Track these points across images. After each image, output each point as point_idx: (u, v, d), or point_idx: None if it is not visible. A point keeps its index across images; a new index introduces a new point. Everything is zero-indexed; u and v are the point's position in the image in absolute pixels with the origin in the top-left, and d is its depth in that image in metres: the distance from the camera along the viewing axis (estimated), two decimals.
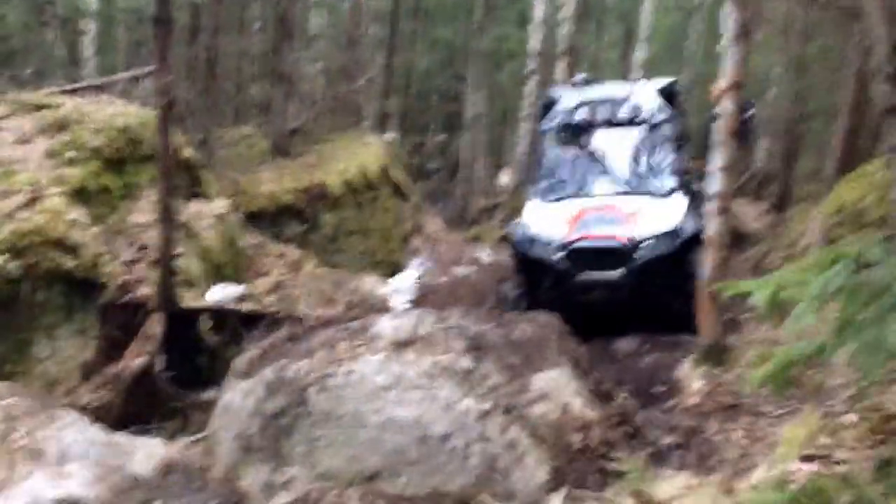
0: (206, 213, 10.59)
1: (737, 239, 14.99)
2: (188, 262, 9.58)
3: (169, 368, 7.98)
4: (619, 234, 9.78)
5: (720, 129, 8.00)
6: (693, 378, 7.66)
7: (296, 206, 14.38)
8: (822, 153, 17.12)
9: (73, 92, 11.88)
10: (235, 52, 18.93)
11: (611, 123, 10.92)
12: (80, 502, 5.15)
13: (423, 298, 13.02)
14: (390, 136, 21.50)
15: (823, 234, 10.05)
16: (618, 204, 10.18)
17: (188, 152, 11.35)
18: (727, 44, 7.92)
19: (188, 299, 8.82)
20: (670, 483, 4.83)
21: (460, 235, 20.31)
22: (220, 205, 11.19)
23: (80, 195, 8.98)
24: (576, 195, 10.59)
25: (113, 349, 8.22)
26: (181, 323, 8.39)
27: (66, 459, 5.40)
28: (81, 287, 8.35)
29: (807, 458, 4.23)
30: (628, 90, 11.33)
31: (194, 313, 8.80)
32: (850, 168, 12.09)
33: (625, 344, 9.52)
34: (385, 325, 6.22)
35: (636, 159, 10.75)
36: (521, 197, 12.85)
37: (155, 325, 8.02)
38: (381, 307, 9.55)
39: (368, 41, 24.58)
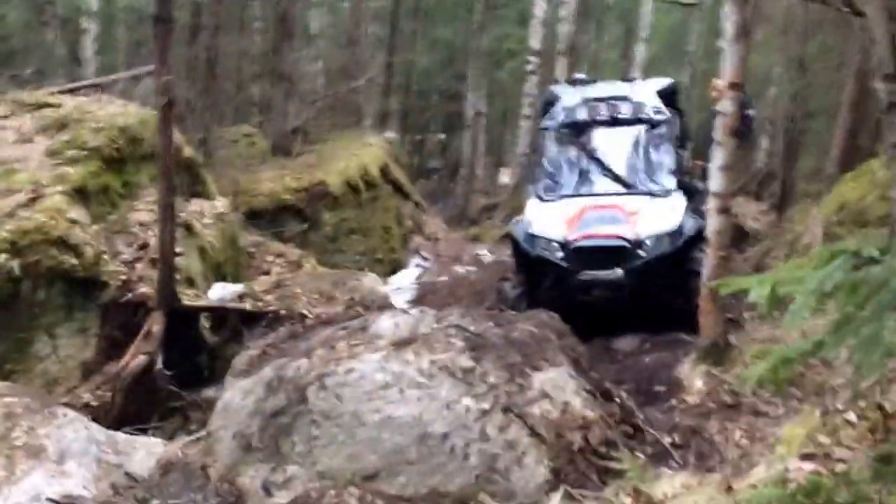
0: (207, 212, 10.60)
1: (738, 238, 15.01)
2: (188, 261, 9.58)
3: (169, 367, 7.97)
4: (620, 233, 9.77)
5: (720, 129, 7.98)
6: (693, 377, 7.64)
7: (296, 205, 14.39)
8: (823, 152, 17.10)
9: (74, 91, 11.87)
10: (236, 51, 18.92)
11: (611, 122, 10.91)
12: (80, 501, 5.15)
13: (424, 297, 13.02)
14: (390, 135, 21.52)
15: (824, 233, 10.04)
16: (618, 203, 10.17)
17: (188, 151, 11.35)
18: (726, 43, 7.92)
19: (188, 298, 8.81)
20: (669, 482, 4.82)
21: (460, 234, 20.32)
22: (220, 204, 11.20)
23: (80, 194, 8.97)
24: (576, 194, 10.58)
25: (113, 348, 8.23)
26: (181, 322, 8.39)
27: (66, 458, 5.40)
28: (82, 286, 8.35)
29: (806, 457, 4.23)
30: (628, 89, 11.33)
31: (194, 312, 8.81)
32: (851, 167, 12.08)
33: (625, 343, 9.51)
34: (384, 324, 6.22)
35: (637, 158, 10.75)
36: (522, 196, 12.87)
37: (155, 324, 8.02)
38: (382, 306, 9.52)
39: (369, 41, 24.57)
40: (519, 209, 11.44)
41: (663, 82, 11.71)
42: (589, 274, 9.71)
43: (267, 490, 5.54)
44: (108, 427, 6.40)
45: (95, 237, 8.65)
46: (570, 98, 11.30)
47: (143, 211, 9.49)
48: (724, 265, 7.89)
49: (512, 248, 10.79)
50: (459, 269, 15.71)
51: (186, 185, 10.71)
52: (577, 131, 11.07)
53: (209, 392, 7.91)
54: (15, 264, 7.94)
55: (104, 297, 8.44)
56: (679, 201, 10.17)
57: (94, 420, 6.46)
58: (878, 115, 10.17)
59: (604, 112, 10.91)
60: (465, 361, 5.75)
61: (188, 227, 9.86)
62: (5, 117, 9.92)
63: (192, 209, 10.36)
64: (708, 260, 7.98)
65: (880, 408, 4.53)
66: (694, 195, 10.63)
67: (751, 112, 13.17)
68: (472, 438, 5.39)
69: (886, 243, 2.89)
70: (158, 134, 8.23)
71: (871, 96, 11.10)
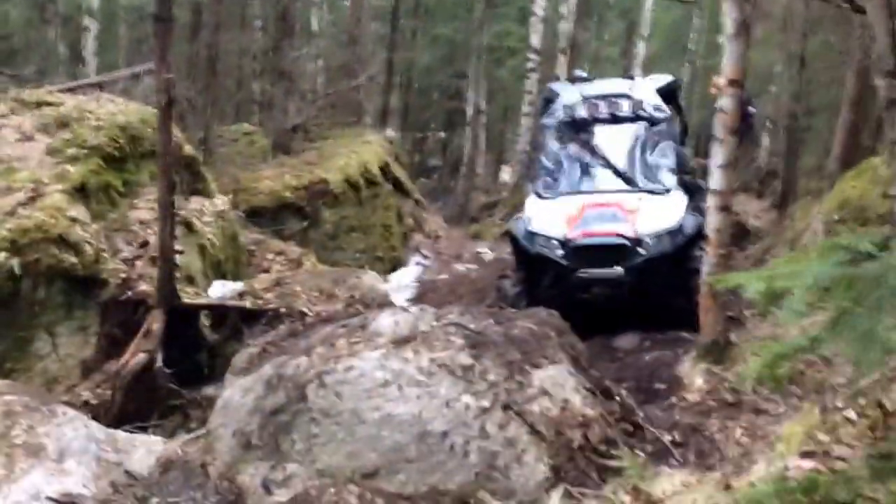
0: (207, 210, 10.60)
1: (739, 236, 15.03)
2: (188, 259, 9.59)
3: (169, 365, 7.98)
4: (620, 231, 9.76)
5: (719, 126, 7.97)
6: (694, 375, 7.64)
7: (296, 202, 14.40)
8: (825, 149, 17.10)
9: (74, 90, 11.88)
10: (236, 49, 18.95)
11: (611, 120, 10.91)
12: (80, 499, 5.14)
13: (424, 295, 13.03)
14: (391, 133, 21.52)
15: (826, 231, 10.04)
16: (618, 201, 10.16)
17: (189, 149, 11.36)
18: (726, 40, 7.91)
19: (188, 296, 8.82)
20: (669, 480, 4.81)
21: (461, 232, 20.33)
22: (220, 202, 11.20)
23: (80, 192, 8.98)
24: (576, 192, 10.58)
25: (113, 346, 8.24)
26: (181, 320, 8.39)
27: (66, 456, 5.39)
28: (82, 284, 8.36)
29: (805, 455, 4.22)
30: (628, 87, 11.32)
31: (194, 310, 8.81)
32: (853, 164, 12.08)
33: (625, 341, 9.51)
34: (384, 322, 6.21)
35: (636, 156, 10.74)
36: (522, 193, 12.86)
37: (155, 322, 8.02)
38: (382, 304, 9.52)
39: (369, 38, 24.56)
40: (519, 207, 11.45)
41: (663, 79, 11.71)
42: (589, 272, 9.70)
43: (266, 488, 5.54)
44: (108, 425, 6.40)
45: (95, 235, 8.66)
46: (569, 95, 11.30)
47: (144, 209, 9.49)
48: (724, 263, 7.88)
49: (512, 246, 10.79)
50: (460, 267, 15.72)
51: (187, 183, 10.72)
52: (576, 129, 11.08)
53: (209, 390, 7.91)
54: (15, 263, 7.95)
55: (104, 295, 8.44)
56: (679, 199, 10.16)
57: (94, 418, 6.46)
58: (879, 113, 10.17)
59: (603, 109, 10.91)
60: (465, 359, 5.74)
61: (188, 225, 9.86)
62: (6, 116, 9.91)
63: (192, 207, 10.36)
64: (708, 258, 7.97)
65: (880, 406, 4.52)
66: (695, 193, 10.63)
67: (751, 110, 13.20)
68: (471, 436, 5.38)
69: (883, 239, 2.88)
70: (158, 132, 8.23)
71: (873, 93, 11.08)
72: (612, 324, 9.59)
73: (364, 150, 16.74)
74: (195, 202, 10.64)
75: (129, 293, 8.49)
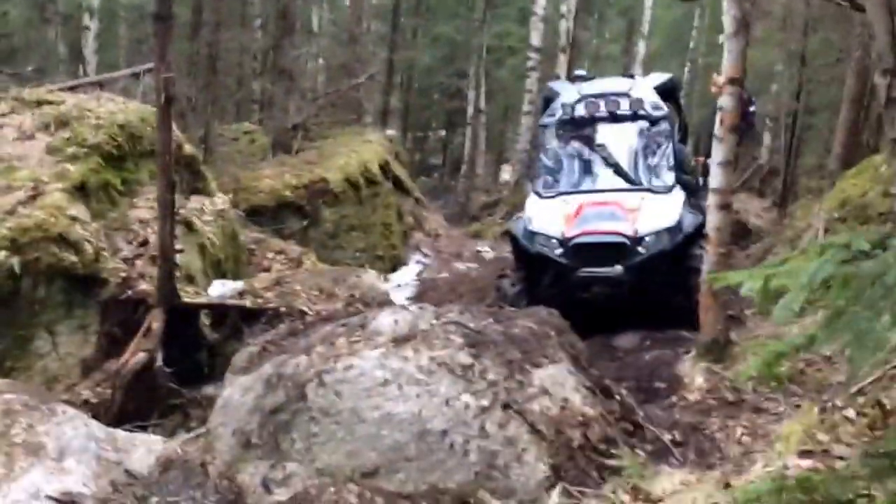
0: (207, 209, 10.59)
1: (740, 235, 15.03)
2: (188, 258, 9.58)
3: (169, 364, 7.97)
4: (620, 229, 9.76)
5: (719, 125, 7.97)
6: (694, 374, 7.64)
7: (296, 201, 14.41)
8: (825, 148, 17.10)
9: (74, 89, 11.87)
10: (237, 48, 18.94)
11: (610, 119, 10.90)
12: (79, 498, 5.14)
13: (424, 294, 13.04)
14: (391, 132, 21.52)
15: (826, 229, 10.03)
16: (617, 199, 10.16)
17: (189, 148, 11.35)
18: (725, 38, 7.90)
19: (188, 295, 8.81)
20: (669, 479, 4.81)
21: (461, 231, 20.33)
22: (220, 201, 11.19)
23: (80, 191, 8.97)
24: (575, 191, 10.58)
25: (113, 345, 8.23)
26: (181, 319, 8.38)
27: (65, 455, 5.39)
28: (82, 283, 8.35)
29: (804, 454, 4.22)
30: (627, 85, 11.32)
31: (194, 309, 8.80)
32: (853, 162, 12.08)
33: (625, 340, 9.51)
34: (384, 321, 6.20)
35: (635, 154, 10.75)
36: (523, 192, 12.86)
37: (155, 321, 8.02)
38: (382, 303, 9.52)
39: (370, 37, 24.58)
40: (520, 206, 11.45)
41: (662, 78, 11.71)
42: (588, 271, 9.70)
43: (266, 487, 5.53)
44: (108, 424, 6.38)
45: (95, 234, 8.65)
46: (568, 94, 11.30)
47: (143, 208, 9.49)
48: (724, 262, 7.88)
49: (511, 245, 10.80)
50: (460, 266, 15.72)
51: (187, 181, 10.71)
52: (575, 128, 11.08)
53: (209, 389, 7.91)
54: (15, 261, 7.93)
55: (104, 294, 8.43)
56: (678, 197, 10.16)
57: (94, 417, 6.44)
58: (879, 111, 10.16)
59: (602, 108, 10.90)
60: (465, 358, 5.74)
61: (188, 224, 9.86)
62: (6, 114, 9.90)
63: (192, 206, 10.35)
64: (708, 256, 7.97)
65: (879, 404, 4.53)
66: (695, 191, 10.64)
67: (752, 108, 13.19)
68: (471, 435, 5.38)
69: (880, 238, 2.88)
70: (158, 131, 8.22)
71: (873, 92, 11.08)
72: (612, 323, 9.59)
73: (364, 149, 16.74)
74: (195, 201, 10.63)
75: (129, 292, 8.48)
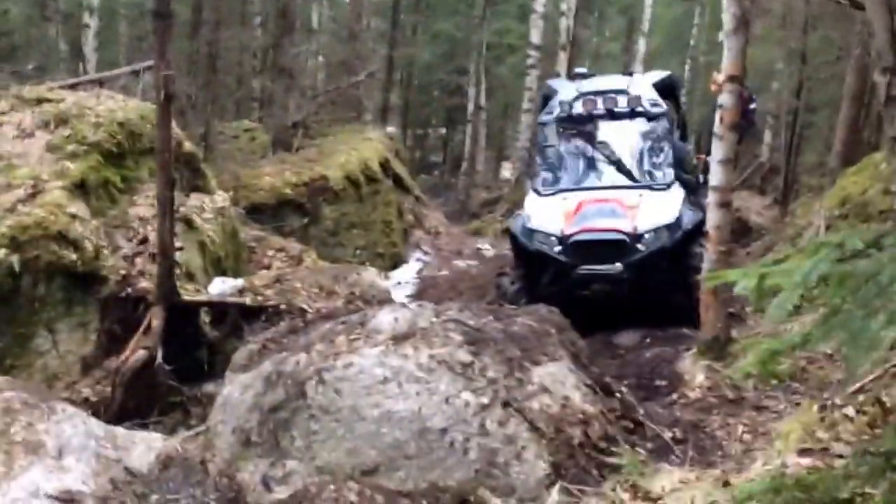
0: (207, 207, 10.58)
1: (741, 232, 15.02)
2: (188, 256, 9.58)
3: (169, 362, 7.96)
4: (619, 226, 9.76)
5: (719, 123, 7.96)
6: (695, 372, 7.64)
7: (297, 199, 14.41)
8: (826, 146, 17.09)
9: (74, 86, 11.86)
10: (237, 46, 18.93)
11: (609, 116, 10.90)
12: (79, 496, 5.14)
13: (424, 292, 13.04)
14: (391, 129, 21.51)
15: (827, 227, 10.02)
16: (616, 197, 10.16)
17: (189, 146, 11.34)
18: (725, 35, 7.89)
19: (188, 293, 8.81)
20: (668, 477, 4.81)
21: (462, 229, 20.33)
22: (220, 198, 11.18)
23: (80, 189, 8.97)
24: (574, 188, 10.58)
25: (113, 343, 8.23)
26: (181, 316, 8.38)
27: (65, 453, 5.38)
28: (82, 281, 8.35)
29: (804, 452, 4.22)
30: (625, 83, 11.31)
31: (194, 307, 8.80)
32: (854, 160, 12.07)
33: (626, 338, 9.50)
34: (384, 319, 6.20)
35: (634, 152, 10.75)
36: (523, 190, 12.86)
37: (155, 319, 8.01)
38: (382, 301, 9.52)
39: (369, 35, 24.57)
40: (520, 203, 11.45)
41: (660, 75, 11.71)
42: (588, 268, 9.70)
43: (266, 485, 5.53)
44: (108, 422, 6.38)
45: (95, 232, 8.65)
46: (566, 92, 11.30)
47: (143, 206, 9.48)
48: (724, 260, 7.87)
49: (511, 243, 10.79)
50: (460, 264, 15.73)
51: (187, 179, 10.70)
52: (574, 125, 11.07)
53: (209, 387, 7.91)
54: (15, 259, 7.94)
55: (104, 291, 8.43)
56: (677, 194, 10.16)
57: (94, 415, 6.45)
58: (879, 109, 10.16)
59: (600, 106, 10.90)
60: (465, 356, 5.73)
61: (188, 222, 9.85)
62: (6, 112, 9.90)
63: (192, 204, 10.35)
64: (708, 255, 7.97)
65: (879, 402, 4.52)
66: (695, 189, 10.63)
67: (753, 106, 13.19)
68: (471, 433, 5.38)
69: (873, 237, 2.87)
70: (157, 128, 8.22)
71: (873, 89, 11.07)
72: (612, 320, 9.58)
73: (364, 146, 16.73)
74: (195, 199, 10.62)
75: (129, 290, 8.49)
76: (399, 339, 5.90)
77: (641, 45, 29.75)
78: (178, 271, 8.69)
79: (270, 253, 12.37)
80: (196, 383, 8.20)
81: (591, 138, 10.97)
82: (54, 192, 8.62)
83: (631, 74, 12.82)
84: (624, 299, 9.68)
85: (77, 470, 5.31)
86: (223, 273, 10.25)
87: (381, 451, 5.40)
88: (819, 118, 18.97)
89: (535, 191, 10.82)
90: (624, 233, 9.69)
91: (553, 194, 10.51)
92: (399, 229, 16.72)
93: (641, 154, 10.74)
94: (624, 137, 10.82)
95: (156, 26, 8.44)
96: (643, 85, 11.13)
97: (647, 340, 9.34)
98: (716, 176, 7.98)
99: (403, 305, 7.05)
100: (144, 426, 7.09)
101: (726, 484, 4.24)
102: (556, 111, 11.13)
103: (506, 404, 5.51)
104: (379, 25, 26.91)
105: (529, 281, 10.13)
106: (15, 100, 10.16)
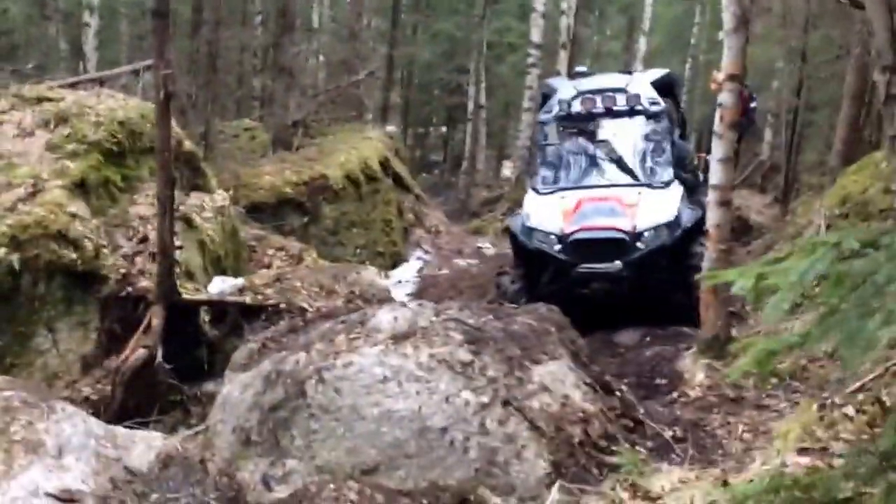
0: (207, 206, 10.58)
1: (742, 231, 15.02)
2: (188, 255, 9.57)
3: (169, 361, 7.97)
4: (618, 225, 9.75)
5: (719, 121, 7.96)
6: (695, 371, 7.64)
7: (297, 198, 14.40)
8: (826, 144, 17.08)
9: (75, 85, 11.86)
10: (237, 45, 18.95)
11: (608, 114, 10.89)
12: (78, 495, 5.13)
13: (425, 291, 13.03)
14: (392, 128, 21.50)
15: (828, 226, 10.01)
16: (616, 195, 10.16)
17: (189, 145, 11.34)
18: (725, 34, 7.89)
19: (188, 292, 8.81)
20: (667, 477, 4.80)
21: (462, 228, 20.33)
22: (220, 197, 11.18)
23: (80, 188, 8.97)
24: (573, 186, 10.57)
25: (113, 342, 8.23)
26: (181, 315, 8.38)
27: (65, 452, 5.38)
28: (82, 280, 8.35)
29: (803, 452, 4.21)
30: (624, 81, 11.30)
31: (194, 306, 8.80)
32: (854, 159, 12.05)
33: (626, 336, 9.50)
34: (383, 318, 6.19)
35: (633, 150, 10.74)
36: (524, 189, 12.86)
37: (155, 318, 8.01)
38: (382, 300, 9.52)
39: (370, 34, 24.58)
40: (521, 202, 11.44)
41: (659, 73, 11.70)
42: (587, 267, 9.69)
43: (266, 484, 5.53)
44: (108, 421, 6.38)
45: (95, 231, 8.64)
46: (565, 91, 11.30)
47: (143, 205, 9.48)
48: (725, 258, 7.87)
49: (510, 242, 10.79)
50: (461, 262, 15.73)
51: (187, 178, 10.70)
52: (573, 124, 11.07)
53: (209, 386, 7.92)
54: (15, 258, 7.94)
55: (104, 290, 8.43)
56: (676, 192, 10.15)
57: (95, 414, 6.45)
58: (880, 108, 10.15)
59: (599, 104, 10.89)
60: (465, 355, 5.73)
61: (188, 221, 9.85)
62: (6, 111, 9.89)
63: (192, 203, 10.34)
64: (708, 253, 7.97)
65: (879, 402, 4.52)
66: (695, 187, 10.63)
67: (753, 104, 13.18)
68: (471, 432, 5.38)
69: (870, 236, 2.87)
70: (157, 127, 8.22)
71: (874, 88, 11.06)
72: (612, 319, 9.58)
73: (364, 145, 16.72)
74: (195, 198, 10.61)
75: (129, 289, 8.48)
76: (399, 338, 5.90)
77: (642, 44, 29.74)
78: (177, 270, 8.69)
79: (270, 252, 12.36)
80: (196, 382, 8.20)
81: (589, 137, 10.96)
82: (54, 191, 8.62)
83: (630, 73, 12.80)
84: (623, 298, 9.67)
85: (77, 469, 5.31)
86: (223, 272, 10.25)
87: (381, 451, 5.40)
88: (819, 117, 18.96)
89: (535, 189, 10.82)
90: (623, 231, 9.68)
91: (552, 193, 10.51)
92: (399, 228, 16.71)
93: (640, 152, 10.73)
94: (623, 136, 10.81)
95: (155, 25, 8.45)
96: (642, 83, 11.13)
97: (647, 339, 9.34)
98: (716, 174, 7.98)
99: (403, 304, 7.05)
100: (144, 425, 7.08)
101: (725, 484, 4.23)
102: (555, 110, 11.13)
103: (506, 403, 5.51)
104: (379, 24, 26.91)
105: (529, 280, 10.12)
106: (15, 99, 10.16)
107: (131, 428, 6.43)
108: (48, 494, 5.05)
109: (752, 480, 3.78)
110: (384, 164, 16.85)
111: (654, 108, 10.78)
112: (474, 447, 5.33)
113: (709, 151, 8.83)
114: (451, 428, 5.39)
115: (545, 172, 11.01)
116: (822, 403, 4.99)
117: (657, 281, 9.47)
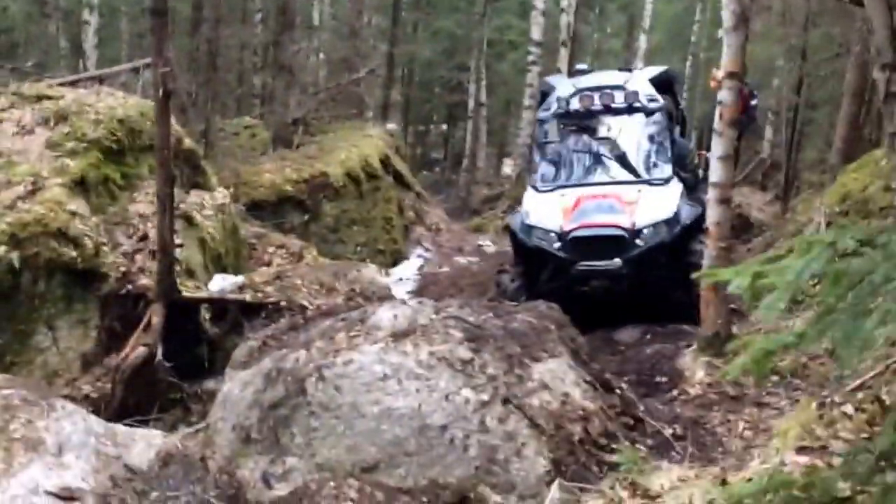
0: (207, 204, 10.57)
1: (742, 228, 15.01)
2: (188, 253, 9.57)
3: (169, 359, 7.97)
4: (618, 222, 9.74)
5: (719, 119, 7.95)
6: (695, 368, 7.64)
7: (297, 196, 14.39)
8: (826, 142, 17.08)
9: (74, 83, 11.86)
10: (237, 43, 18.95)
11: (606, 112, 10.88)
12: (78, 493, 5.14)
13: (425, 288, 13.03)
14: (392, 126, 21.49)
15: (828, 224, 10.01)
16: (615, 192, 10.14)
17: (189, 143, 11.33)
18: (725, 32, 7.88)
19: (188, 290, 8.81)
20: (667, 475, 4.80)
21: (462, 225, 20.32)
22: (220, 195, 11.17)
23: (80, 186, 8.96)
24: (572, 184, 10.56)
25: (113, 340, 8.22)
26: (181, 313, 8.38)
27: (65, 450, 5.38)
28: (82, 278, 8.35)
29: (802, 450, 4.21)
30: (623, 78, 11.29)
31: (194, 303, 8.80)
32: (854, 156, 12.05)
33: (626, 334, 9.49)
34: (383, 316, 6.20)
35: (632, 147, 10.72)
36: (524, 186, 12.85)
37: (155, 316, 8.01)
38: (382, 297, 9.52)
39: (370, 31, 24.56)
40: (521, 200, 11.43)
41: (658, 70, 11.69)
42: (587, 264, 9.68)
43: (266, 482, 5.54)
44: (109, 419, 6.38)
45: (95, 229, 8.64)
46: (564, 88, 11.29)
47: (143, 202, 9.47)
48: (725, 256, 7.87)
49: (510, 240, 10.78)
50: (461, 260, 15.72)
51: (187, 176, 10.70)
52: (571, 121, 11.06)
53: (209, 384, 7.91)
54: (14, 256, 7.94)
55: (104, 288, 8.43)
56: (675, 189, 10.14)
57: (95, 412, 6.45)
58: (880, 105, 10.14)
59: (598, 102, 10.87)
60: (464, 353, 5.73)
61: (188, 219, 9.84)
62: (5, 109, 9.89)
63: (192, 200, 10.33)
64: (708, 251, 7.96)
65: (878, 400, 4.51)
66: (695, 184, 10.63)
67: (754, 102, 13.17)
68: (471, 430, 5.38)
69: (867, 235, 2.86)
70: (156, 125, 8.21)
71: (874, 86, 11.06)
72: (612, 317, 9.57)
73: (365, 143, 16.71)
74: (195, 196, 10.61)
75: (129, 287, 8.48)
76: (399, 335, 5.90)
77: (642, 42, 29.74)
78: (178, 268, 8.68)
79: (271, 250, 12.35)
80: (196, 380, 8.20)
81: (589, 134, 10.95)
82: (54, 188, 8.61)
83: (629, 70, 12.78)
84: (623, 295, 9.66)
85: (77, 467, 5.31)
86: (223, 270, 10.24)
87: (381, 448, 5.41)
88: (820, 115, 18.95)
89: (534, 187, 10.81)
90: (622, 228, 9.67)
91: (551, 190, 10.49)
92: (400, 226, 16.70)
93: (639, 149, 10.71)
94: (621, 133, 10.79)
95: (153, 24, 8.45)
96: (640, 80, 11.11)
97: (648, 337, 9.33)
98: (715, 172, 7.98)
99: (403, 302, 7.05)
100: (144, 423, 7.08)
101: (724, 482, 4.23)
102: (554, 107, 11.11)
103: (506, 401, 5.51)
104: (379, 22, 26.89)
105: (529, 277, 10.11)
106: (15, 97, 10.15)
107: (131, 426, 6.44)
108: (48, 492, 5.05)
109: (750, 479, 3.78)
110: (385, 161, 16.84)
111: (653, 105, 10.77)
112: (474, 445, 5.33)
113: (709, 149, 8.82)
114: (450, 426, 5.40)
115: (544, 170, 11.00)
116: (822, 402, 4.98)
117: (657, 278, 9.46)
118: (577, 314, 7.19)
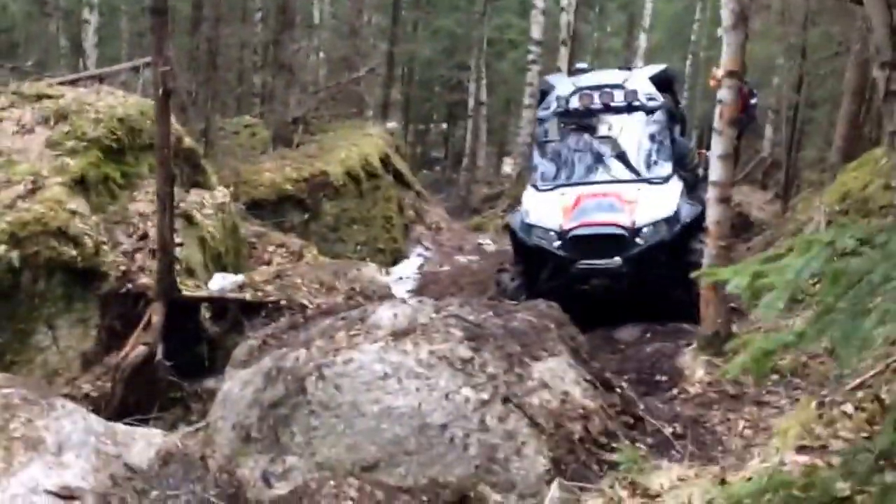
0: (207, 203, 10.57)
1: (742, 227, 15.01)
2: (189, 252, 9.57)
3: (169, 358, 7.96)
4: (617, 221, 9.74)
5: (718, 118, 7.95)
6: (695, 367, 7.64)
7: (297, 195, 14.38)
8: (826, 141, 17.07)
9: (74, 82, 11.86)
10: (237, 42, 18.93)
11: (606, 110, 10.88)
12: (78, 492, 5.13)
13: (425, 287, 13.02)
14: (392, 125, 21.48)
15: (828, 222, 10.01)
16: (615, 191, 10.14)
17: (189, 142, 11.33)
18: (724, 31, 7.88)
19: (188, 289, 8.81)
20: (666, 474, 4.80)
21: (463, 224, 20.32)
22: (220, 194, 11.17)
23: (80, 185, 8.96)
24: (572, 183, 10.55)
25: (113, 339, 8.22)
26: (181, 312, 8.37)
27: (65, 449, 5.38)
28: (82, 277, 8.35)
29: (802, 450, 4.21)
30: (622, 77, 11.28)
31: (195, 302, 8.80)
32: (854, 155, 12.06)
33: (626, 333, 9.49)
34: (384, 314, 6.20)
35: (631, 146, 10.71)
36: (524, 185, 12.85)
37: (155, 315, 8.00)
38: (382, 296, 9.52)
39: (370, 30, 24.54)
40: (521, 198, 11.43)
41: (657, 69, 11.68)
42: (587, 263, 9.68)
43: (266, 481, 5.54)
44: (109, 418, 6.37)
45: (95, 228, 8.64)
46: (564, 87, 11.28)
47: (143, 201, 9.47)
48: (725, 255, 7.87)
49: (510, 239, 10.79)
50: (461, 259, 15.72)
51: (187, 175, 10.70)
52: (570, 120, 11.05)
53: (209, 383, 7.91)
54: (14, 255, 7.94)
55: (104, 287, 8.42)
56: (675, 187, 10.14)
57: (95, 411, 6.44)
58: (880, 104, 10.14)
59: (597, 100, 10.87)
60: (464, 351, 5.74)
61: (188, 218, 9.85)
62: (5, 108, 9.89)
63: (192, 199, 10.33)
64: (708, 250, 7.96)
65: (878, 399, 4.51)
66: (696, 183, 10.62)
67: (754, 101, 13.17)
68: (471, 429, 5.38)
69: (867, 234, 2.86)
70: (156, 124, 8.21)
71: (874, 85, 11.06)
72: (612, 316, 9.57)
73: (365, 142, 16.70)
74: (195, 194, 10.61)
75: (129, 286, 8.48)
76: (399, 334, 5.91)
77: (642, 41, 29.73)
78: (178, 267, 8.68)
79: (271, 249, 12.35)
80: (196, 379, 8.19)
81: (588, 133, 10.95)
82: (54, 188, 8.61)
83: (629, 69, 12.78)
84: (623, 294, 9.66)
85: (77, 466, 5.31)
86: (223, 269, 10.25)
87: (380, 447, 5.41)
88: (819, 113, 18.95)
89: (534, 186, 10.81)
90: (622, 227, 9.67)
91: (551, 189, 10.49)
92: (400, 225, 16.69)
93: (639, 148, 10.71)
94: (621, 132, 10.79)
95: (153, 22, 8.44)
96: (640, 79, 11.12)
97: (647, 335, 9.33)
98: (715, 171, 7.98)
99: (403, 301, 7.05)
100: (144, 422, 7.07)
101: (723, 482, 4.23)
102: (553, 106, 11.11)
103: (506, 400, 5.51)
104: (380, 21, 26.88)
105: (529, 276, 10.11)
106: (15, 96, 10.16)
107: (131, 425, 6.42)
108: (48, 491, 5.05)
109: (750, 479, 3.78)
110: (385, 160, 16.83)
111: (652, 104, 10.77)
112: (474, 444, 5.34)
113: (709, 148, 8.82)
114: (450, 425, 5.40)
115: (544, 169, 11.00)
116: (822, 401, 4.98)
117: (657, 277, 9.46)
118: (577, 313, 7.19)
